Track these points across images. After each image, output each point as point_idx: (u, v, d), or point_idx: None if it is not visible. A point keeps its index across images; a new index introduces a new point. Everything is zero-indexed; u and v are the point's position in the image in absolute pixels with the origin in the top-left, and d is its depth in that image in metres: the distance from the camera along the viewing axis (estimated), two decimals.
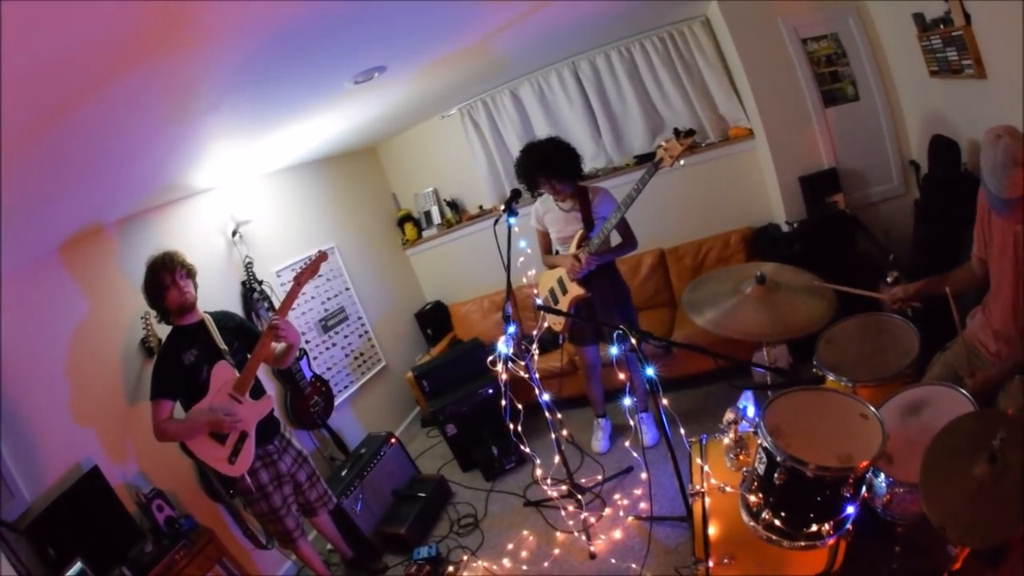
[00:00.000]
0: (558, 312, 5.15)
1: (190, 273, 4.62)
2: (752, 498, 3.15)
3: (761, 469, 3.10)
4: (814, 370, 4.04)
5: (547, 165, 5.27)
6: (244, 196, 6.56)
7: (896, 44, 5.89)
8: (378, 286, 8.21)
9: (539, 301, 5.38)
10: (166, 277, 4.45)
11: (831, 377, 3.87)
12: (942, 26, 4.65)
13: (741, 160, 7.25)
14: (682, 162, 4.98)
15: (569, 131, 7.70)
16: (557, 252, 5.69)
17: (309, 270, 4.88)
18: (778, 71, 6.39)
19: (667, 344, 4.11)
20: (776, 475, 2.97)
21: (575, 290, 5.43)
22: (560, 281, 5.59)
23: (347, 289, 7.61)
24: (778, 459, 2.95)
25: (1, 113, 2.31)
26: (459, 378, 6.79)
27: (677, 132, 4.89)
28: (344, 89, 4.70)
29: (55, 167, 3.32)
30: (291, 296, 4.74)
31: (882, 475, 3.05)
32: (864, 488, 3.02)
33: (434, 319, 8.61)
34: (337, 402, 6.73)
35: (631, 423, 5.13)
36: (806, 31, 6.29)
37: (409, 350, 8.44)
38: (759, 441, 3.10)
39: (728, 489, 3.48)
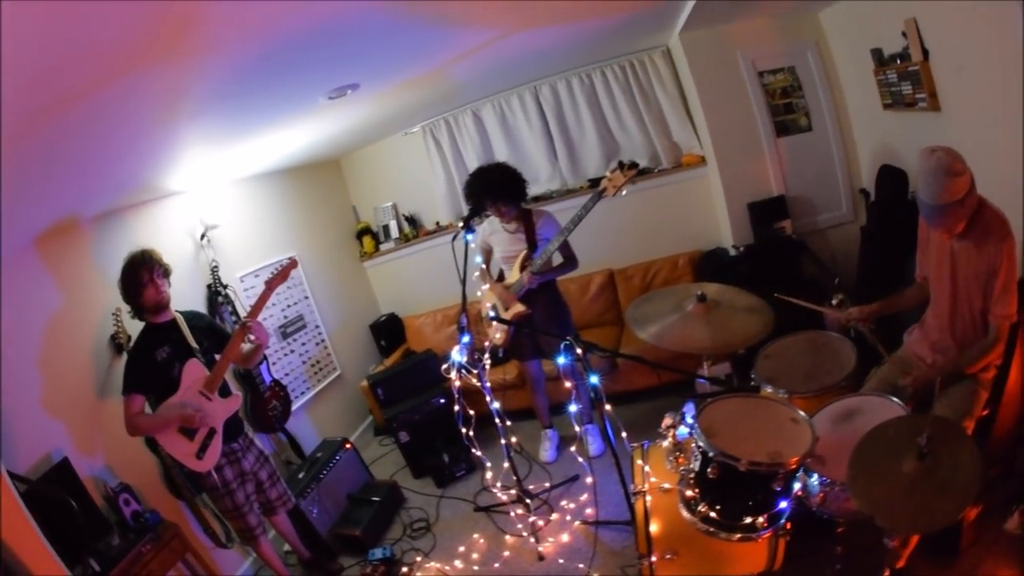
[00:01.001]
0: (507, 323, 5.31)
1: (166, 272, 4.69)
2: (689, 492, 3.37)
3: (696, 465, 3.32)
4: (752, 382, 4.26)
5: (494, 189, 5.49)
6: (213, 201, 6.68)
7: (852, 78, 6.22)
8: (336, 296, 8.33)
9: (492, 314, 5.57)
10: (144, 275, 4.51)
11: (768, 389, 4.09)
12: (899, 61, 4.92)
13: (692, 186, 7.51)
14: (624, 192, 5.17)
15: (527, 153, 7.97)
16: (500, 271, 5.89)
17: (280, 276, 4.98)
18: (733, 101, 6.67)
19: (612, 355, 4.30)
20: (710, 470, 3.19)
21: (516, 307, 5.62)
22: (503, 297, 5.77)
23: (306, 298, 7.74)
24: (711, 454, 3.18)
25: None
26: (412, 387, 6.94)
27: (621, 164, 5.13)
28: (318, 104, 4.87)
29: (42, 160, 3.41)
30: (263, 299, 4.82)
31: (815, 475, 3.25)
32: (799, 486, 3.25)
33: (388, 331, 8.75)
34: (294, 408, 6.80)
35: (576, 429, 5.33)
36: (764, 64, 6.59)
37: (363, 360, 8.58)
38: (694, 440, 3.33)
39: (667, 486, 3.66)
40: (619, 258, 7.65)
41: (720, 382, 4.42)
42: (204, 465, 4.55)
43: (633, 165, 5.15)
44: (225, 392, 4.81)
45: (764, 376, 4.25)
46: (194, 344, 4.72)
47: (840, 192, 6.87)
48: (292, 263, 5.15)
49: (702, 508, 3.31)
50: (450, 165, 8.28)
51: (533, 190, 7.70)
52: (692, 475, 3.38)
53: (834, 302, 5.72)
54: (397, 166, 8.72)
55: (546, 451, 6.43)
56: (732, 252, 6.96)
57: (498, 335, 5.82)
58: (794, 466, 3.13)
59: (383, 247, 8.92)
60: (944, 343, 3.71)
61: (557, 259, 5.77)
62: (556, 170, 8.03)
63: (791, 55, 6.57)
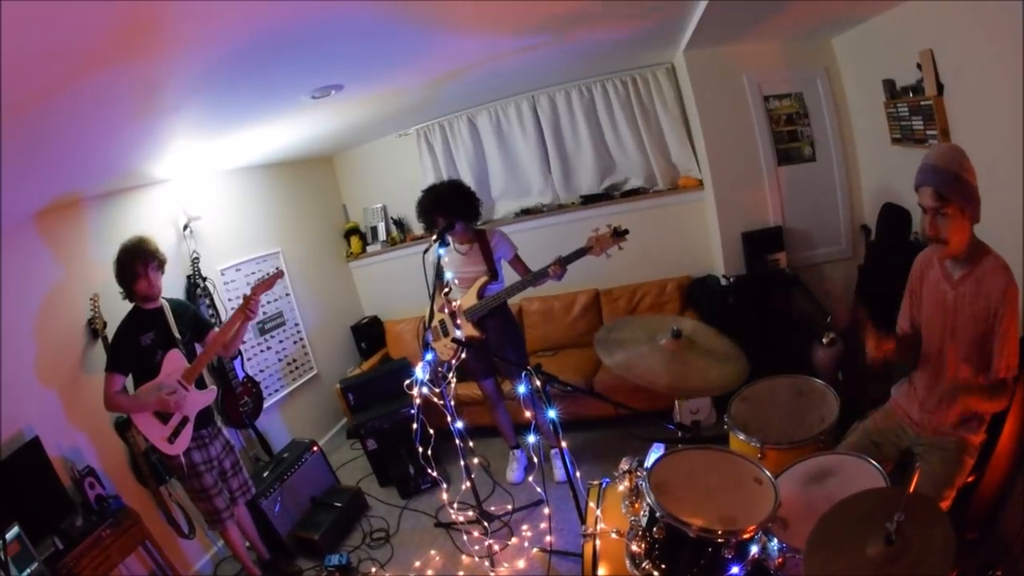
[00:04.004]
0: (460, 343, 5.07)
1: (160, 264, 4.72)
2: (634, 547, 3.07)
3: (644, 521, 3.02)
4: (724, 427, 3.95)
5: (445, 207, 5.32)
6: (198, 192, 6.51)
7: (861, 109, 5.90)
8: (318, 295, 8.09)
9: (458, 333, 5.41)
10: (139, 267, 4.55)
11: (740, 437, 3.78)
12: (912, 94, 4.64)
13: (688, 210, 7.16)
14: (608, 255, 5.04)
15: (520, 164, 7.71)
16: (448, 290, 5.62)
17: (266, 283, 5.06)
18: (735, 125, 6.33)
19: (572, 390, 4.16)
20: (655, 529, 2.88)
21: (469, 330, 5.45)
22: (452, 317, 5.61)
23: (287, 295, 7.49)
24: (657, 515, 2.86)
25: None
26: (384, 395, 6.70)
27: (616, 231, 5.03)
28: (301, 102, 4.76)
29: (28, 143, 3.39)
30: (268, 284, 5.06)
31: (776, 539, 2.91)
32: (756, 549, 2.87)
33: (369, 334, 8.47)
34: (266, 405, 6.66)
35: (534, 460, 5.11)
36: (770, 88, 6.24)
37: (342, 361, 8.29)
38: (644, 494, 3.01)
39: (614, 535, 3.36)
40: (606, 278, 7.29)
41: (685, 428, 4.03)
42: (175, 449, 4.63)
43: (625, 232, 5.05)
44: (201, 384, 4.89)
45: (738, 421, 3.92)
46: (177, 335, 4.79)
47: (840, 227, 6.50)
48: (279, 273, 5.28)
49: (646, 565, 2.98)
50: (442, 171, 7.97)
51: (524, 202, 7.75)
52: (641, 528, 3.06)
53: (824, 340, 5.35)
54: (390, 168, 8.44)
55: (513, 471, 6.15)
56: (723, 282, 6.61)
57: (447, 350, 5.59)
58: (749, 535, 2.78)
59: (370, 248, 8.61)
60: (931, 402, 3.34)
61: (513, 276, 5.58)
62: (548, 184, 7.70)
63: (799, 81, 6.22)
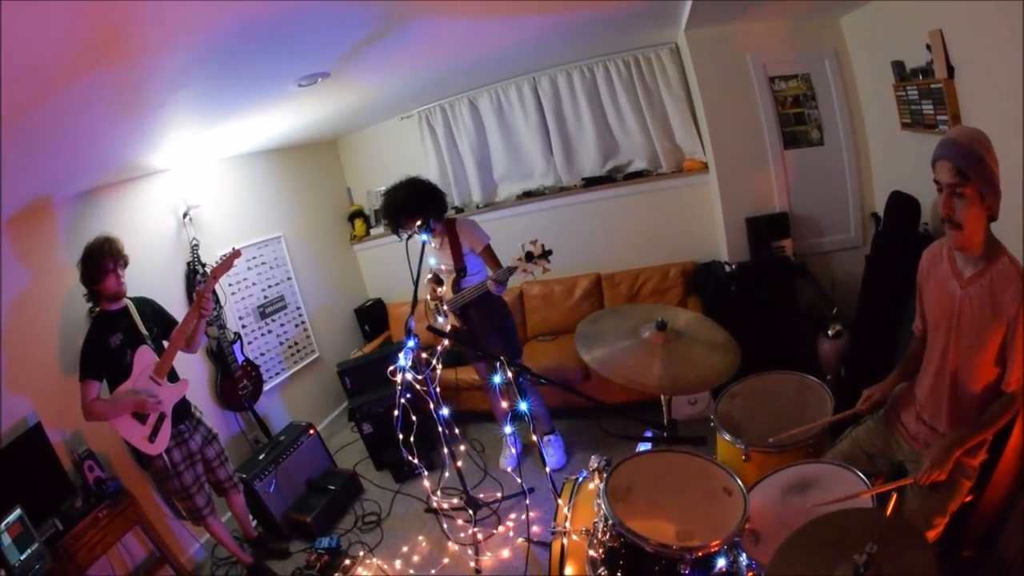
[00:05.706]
0: (445, 335, 4.85)
1: (125, 263, 4.63)
2: (592, 552, 2.86)
3: (600, 526, 2.80)
4: (711, 424, 3.68)
5: (412, 210, 5.14)
6: (198, 180, 6.36)
7: (870, 91, 5.57)
8: (321, 278, 7.94)
9: (440, 321, 5.37)
10: (108, 263, 4.47)
11: (726, 437, 3.52)
12: (921, 76, 4.34)
13: (692, 194, 6.81)
14: (533, 275, 4.82)
15: (522, 146, 7.46)
16: (433, 276, 5.60)
17: (222, 266, 4.91)
18: (740, 107, 5.98)
19: (546, 382, 3.92)
20: (609, 537, 2.68)
21: (452, 320, 5.45)
22: (439, 303, 5.53)
23: (289, 279, 7.32)
24: (610, 522, 2.65)
25: None
26: (380, 379, 6.33)
27: (530, 255, 4.76)
28: (289, 91, 4.68)
29: (20, 145, 3.36)
30: (224, 267, 4.88)
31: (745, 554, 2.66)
32: (725, 563, 2.62)
33: (373, 316, 8.31)
34: (266, 388, 6.60)
35: (513, 451, 5.16)
36: (776, 69, 5.89)
37: (345, 344, 8.09)
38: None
39: (575, 538, 3.13)
40: (608, 263, 7.00)
41: (662, 428, 3.71)
42: (156, 448, 4.57)
43: (546, 254, 4.78)
44: (173, 377, 4.81)
45: (725, 420, 3.67)
46: (144, 331, 4.71)
47: (849, 214, 6.11)
48: (236, 253, 5.06)
49: (603, 572, 2.76)
50: (444, 154, 7.75)
51: (526, 185, 7.49)
52: (599, 533, 2.84)
53: (830, 332, 5.04)
54: (393, 151, 8.19)
55: (506, 458, 5.95)
56: (727, 268, 6.27)
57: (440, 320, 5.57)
58: (711, 551, 2.52)
59: (373, 231, 8.41)
60: (931, 410, 3.01)
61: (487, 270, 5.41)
62: (550, 166, 7.39)
63: (806, 62, 5.84)
